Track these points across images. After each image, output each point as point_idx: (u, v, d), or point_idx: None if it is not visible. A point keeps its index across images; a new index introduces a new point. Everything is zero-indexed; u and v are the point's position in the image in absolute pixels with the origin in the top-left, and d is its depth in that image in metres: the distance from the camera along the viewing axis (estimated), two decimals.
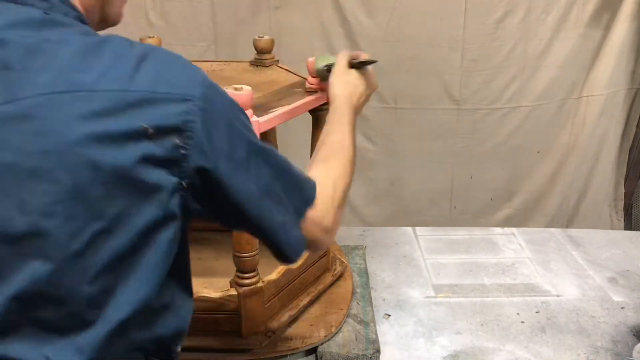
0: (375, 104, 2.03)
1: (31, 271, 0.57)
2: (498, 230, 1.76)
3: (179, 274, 0.69)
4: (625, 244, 1.67)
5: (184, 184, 0.61)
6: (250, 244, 1.14)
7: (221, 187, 0.64)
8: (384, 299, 1.40)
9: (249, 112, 1.04)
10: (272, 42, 1.41)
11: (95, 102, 0.57)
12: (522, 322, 1.31)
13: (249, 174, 0.66)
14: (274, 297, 1.23)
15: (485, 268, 1.54)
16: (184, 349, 0.73)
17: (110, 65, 0.59)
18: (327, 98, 1.05)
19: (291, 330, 1.23)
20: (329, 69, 1.09)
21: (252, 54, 1.49)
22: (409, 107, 2.04)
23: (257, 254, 1.16)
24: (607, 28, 1.98)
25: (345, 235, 1.66)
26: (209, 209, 0.66)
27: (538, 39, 1.96)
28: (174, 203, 0.62)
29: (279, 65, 1.43)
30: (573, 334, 1.27)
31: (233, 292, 1.17)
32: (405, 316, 1.34)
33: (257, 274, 1.18)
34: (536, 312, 1.35)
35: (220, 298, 1.17)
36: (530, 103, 2.04)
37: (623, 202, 2.23)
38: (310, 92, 1.20)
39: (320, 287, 1.35)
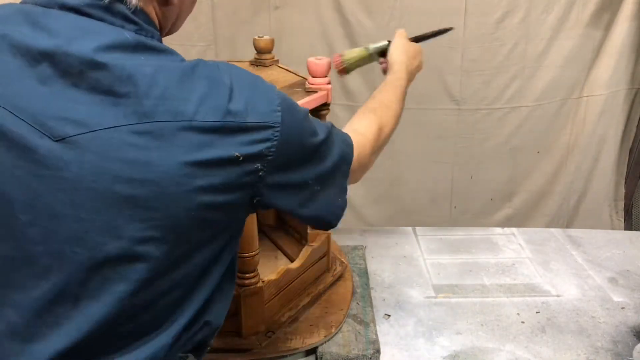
0: None
1: (117, 294, 0.59)
2: (498, 230, 1.76)
3: (230, 269, 0.74)
4: (626, 244, 1.66)
5: (255, 200, 0.66)
6: (250, 244, 1.14)
7: (284, 191, 0.70)
8: (384, 299, 1.40)
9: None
10: (272, 42, 1.41)
11: (195, 134, 0.59)
12: (522, 322, 1.31)
13: (310, 174, 0.73)
14: (274, 297, 1.23)
15: (485, 268, 1.54)
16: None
17: (206, 93, 0.61)
18: (386, 66, 1.15)
19: (291, 330, 1.23)
20: (382, 52, 1.17)
21: (252, 54, 1.49)
22: (409, 107, 2.02)
23: (257, 254, 1.16)
24: (607, 28, 1.98)
25: (345, 236, 1.66)
26: (268, 208, 0.71)
27: (538, 39, 1.96)
28: (241, 219, 0.69)
29: (279, 65, 1.43)
30: (573, 334, 1.27)
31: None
32: (405, 316, 1.33)
33: (257, 274, 1.18)
34: (536, 312, 1.34)
35: None
36: (530, 103, 2.04)
37: (623, 202, 2.23)
38: (310, 92, 1.20)
39: (320, 287, 1.35)
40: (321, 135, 0.74)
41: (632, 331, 1.28)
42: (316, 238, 1.34)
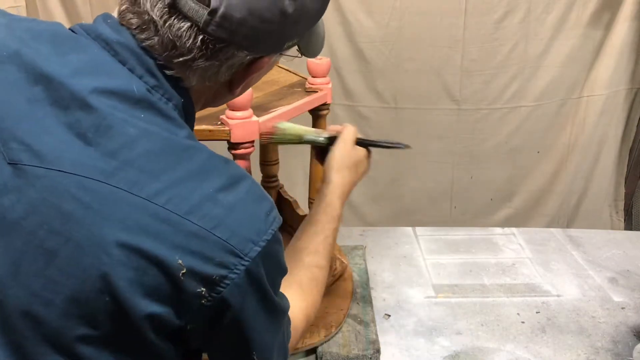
0: (375, 104, 2.03)
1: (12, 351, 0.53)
2: (498, 230, 1.76)
3: None
4: (626, 244, 1.66)
5: (188, 327, 0.55)
6: None
7: (220, 342, 0.60)
8: (384, 299, 1.40)
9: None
10: None
11: (144, 215, 0.51)
12: (522, 322, 1.31)
13: (256, 334, 0.60)
14: None
15: (485, 268, 1.54)
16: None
17: (182, 179, 0.53)
18: (323, 174, 0.92)
19: None
20: (330, 141, 0.93)
21: None
22: (409, 107, 2.04)
23: None
24: (607, 28, 1.98)
25: (345, 235, 1.65)
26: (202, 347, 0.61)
27: (538, 39, 1.96)
28: (167, 337, 0.56)
29: (279, 65, 1.43)
30: (573, 334, 1.27)
31: None
32: (405, 316, 1.33)
33: None
34: (536, 312, 1.34)
35: None
36: (530, 103, 2.04)
37: (623, 202, 2.23)
38: (310, 91, 1.20)
39: None
40: (274, 304, 0.61)
41: (632, 331, 1.27)
42: None
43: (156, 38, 0.58)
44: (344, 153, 0.90)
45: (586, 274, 1.50)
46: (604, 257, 1.59)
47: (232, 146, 1.03)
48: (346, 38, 1.96)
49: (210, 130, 1.00)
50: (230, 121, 1.00)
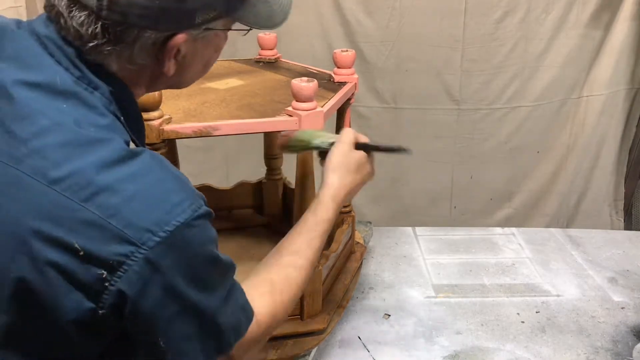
0: (375, 104, 2.03)
1: None
2: (498, 230, 1.76)
3: None
4: (625, 244, 1.67)
5: (100, 313, 0.56)
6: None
7: (134, 329, 0.59)
8: (384, 299, 1.40)
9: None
10: (276, 38, 1.47)
11: (47, 201, 0.54)
12: (522, 322, 1.31)
13: (168, 329, 0.60)
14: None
15: (485, 268, 1.54)
16: None
17: (82, 169, 0.55)
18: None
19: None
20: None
21: (251, 53, 1.50)
22: (409, 107, 2.04)
23: None
24: (607, 28, 1.98)
25: None
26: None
27: (538, 39, 1.96)
28: (84, 325, 0.57)
29: (284, 59, 1.48)
30: (573, 334, 1.27)
31: None
32: (405, 316, 1.34)
33: None
34: (536, 312, 1.35)
35: None
36: (530, 103, 2.04)
37: (623, 202, 2.23)
38: (339, 82, 1.27)
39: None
40: (193, 298, 0.60)
41: (632, 331, 1.28)
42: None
43: (68, 29, 0.60)
44: (338, 154, 0.88)
45: (586, 274, 1.50)
46: (603, 257, 1.59)
47: None
48: (346, 38, 1.96)
49: (281, 122, 1.07)
50: (299, 112, 1.06)
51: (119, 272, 0.54)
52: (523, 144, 2.10)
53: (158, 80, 0.68)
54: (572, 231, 1.75)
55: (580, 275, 1.50)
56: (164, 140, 1.04)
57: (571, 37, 1.97)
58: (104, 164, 0.56)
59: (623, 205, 2.24)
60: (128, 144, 0.61)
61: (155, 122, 1.01)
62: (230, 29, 0.68)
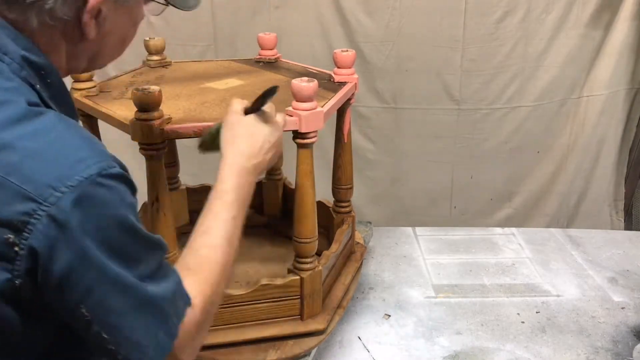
0: (376, 104, 2.03)
1: None
2: (498, 230, 1.76)
3: None
4: (625, 244, 1.67)
5: (16, 283, 0.54)
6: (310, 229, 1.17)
7: (57, 304, 0.56)
8: (384, 299, 1.40)
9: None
10: (276, 38, 1.47)
11: None
12: (522, 322, 1.31)
13: (85, 305, 0.56)
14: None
15: (485, 268, 1.54)
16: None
17: None
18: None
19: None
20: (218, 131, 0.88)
21: (252, 54, 1.50)
22: (409, 107, 2.04)
23: (315, 239, 1.18)
24: (607, 28, 1.98)
25: None
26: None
27: (538, 39, 1.96)
28: (7, 300, 0.55)
29: (284, 59, 1.48)
30: (573, 334, 1.27)
31: (295, 277, 1.18)
32: (405, 316, 1.34)
33: (316, 258, 1.20)
34: (536, 312, 1.35)
35: (283, 284, 1.17)
36: (530, 103, 2.04)
37: (623, 202, 2.23)
38: (339, 82, 1.27)
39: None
40: (114, 270, 0.56)
41: (632, 331, 1.28)
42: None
43: None
44: (226, 128, 0.86)
45: (586, 274, 1.50)
46: (603, 257, 1.59)
47: (300, 136, 1.09)
48: (346, 38, 1.96)
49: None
50: (299, 112, 1.06)
51: (24, 233, 0.52)
52: (523, 144, 2.10)
53: (77, 48, 0.67)
54: (572, 231, 1.75)
55: (580, 275, 1.50)
56: (164, 140, 1.04)
57: (571, 37, 1.97)
58: (2, 124, 0.55)
59: (623, 206, 2.24)
60: (34, 105, 0.59)
61: (155, 122, 1.01)
62: (148, 0, 0.69)
